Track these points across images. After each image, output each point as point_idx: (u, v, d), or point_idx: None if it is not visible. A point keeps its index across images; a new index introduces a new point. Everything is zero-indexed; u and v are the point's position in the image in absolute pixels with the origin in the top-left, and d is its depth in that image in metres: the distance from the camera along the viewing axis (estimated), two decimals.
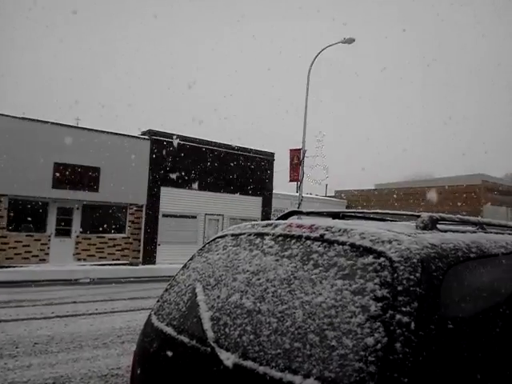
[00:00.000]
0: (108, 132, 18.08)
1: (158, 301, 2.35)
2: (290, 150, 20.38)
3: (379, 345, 1.41)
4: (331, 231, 1.86)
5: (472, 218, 2.14)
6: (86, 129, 17.63)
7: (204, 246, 2.39)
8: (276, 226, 2.12)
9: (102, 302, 10.41)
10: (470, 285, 1.73)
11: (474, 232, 2.00)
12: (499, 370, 1.64)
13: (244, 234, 2.20)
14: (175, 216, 19.42)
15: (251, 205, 21.54)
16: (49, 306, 9.66)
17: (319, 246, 1.81)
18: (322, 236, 1.85)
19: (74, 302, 10.16)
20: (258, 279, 1.86)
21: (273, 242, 1.99)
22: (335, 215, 2.63)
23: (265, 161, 22.32)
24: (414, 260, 1.58)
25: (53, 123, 16.76)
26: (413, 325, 1.43)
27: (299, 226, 2.00)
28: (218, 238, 2.36)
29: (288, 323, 1.62)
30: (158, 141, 19.15)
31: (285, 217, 2.49)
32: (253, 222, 2.33)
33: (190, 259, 2.41)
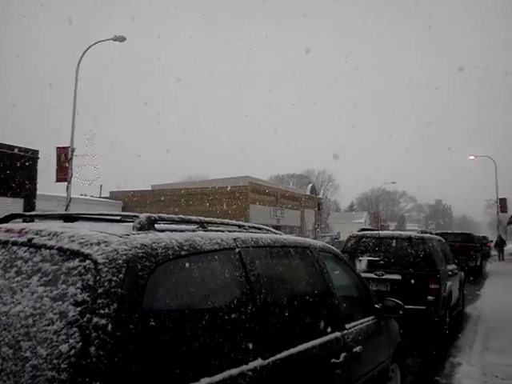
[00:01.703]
0: None
1: None
2: (57, 147, 18.92)
3: (73, 351, 1.38)
4: (41, 235, 1.74)
5: (193, 218, 2.26)
6: None
7: None
8: None
9: None
10: (180, 281, 1.82)
11: (194, 231, 2.11)
12: (204, 360, 1.76)
13: None
14: None
15: (10, 207, 19.18)
16: None
17: (25, 252, 1.68)
18: (29, 241, 1.72)
19: None
20: None
21: None
22: (67, 218, 2.49)
23: (27, 159, 20.18)
24: (120, 261, 1.58)
25: None
26: (110, 327, 1.43)
27: (8, 231, 1.83)
28: None
29: None
30: None
31: (3, 221, 2.23)
32: None
33: None
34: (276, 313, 2.29)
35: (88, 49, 19.50)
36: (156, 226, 1.96)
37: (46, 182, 21.29)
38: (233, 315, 1.97)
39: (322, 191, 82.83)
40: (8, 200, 19.13)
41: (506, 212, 38.89)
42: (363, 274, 6.84)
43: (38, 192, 21.00)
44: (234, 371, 1.83)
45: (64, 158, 18.52)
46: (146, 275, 1.61)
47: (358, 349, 3.03)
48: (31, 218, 2.47)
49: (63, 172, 18.57)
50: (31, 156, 20.43)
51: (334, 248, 3.57)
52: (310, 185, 56.44)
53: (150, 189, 38.80)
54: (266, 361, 2.05)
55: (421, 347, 6.53)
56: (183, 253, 1.83)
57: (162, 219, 2.05)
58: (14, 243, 1.74)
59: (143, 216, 1.94)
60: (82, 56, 19.47)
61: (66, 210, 17.41)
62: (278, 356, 2.14)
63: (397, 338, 4.23)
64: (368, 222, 78.44)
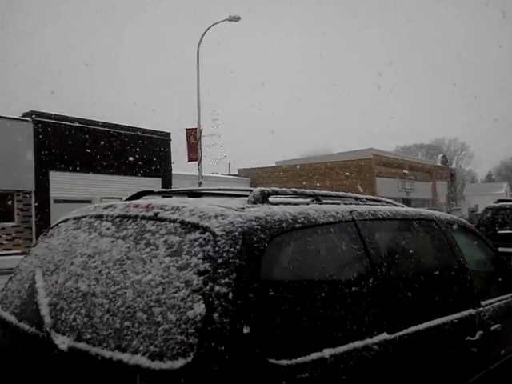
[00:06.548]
0: None
1: (2, 290, 2.28)
2: (186, 129, 20.15)
3: (199, 317, 1.46)
4: (165, 209, 1.87)
5: (307, 191, 2.24)
6: None
7: (47, 231, 2.31)
8: (116, 207, 2.09)
9: None
10: (295, 253, 1.85)
11: (308, 204, 2.11)
12: (325, 331, 1.77)
13: (85, 216, 2.15)
14: (69, 201, 18.34)
15: (150, 186, 20.94)
16: None
17: (152, 225, 1.82)
18: (155, 215, 1.86)
19: None
20: (94, 262, 1.84)
21: (110, 224, 1.97)
22: (191, 193, 2.65)
23: (161, 141, 21.89)
24: (236, 233, 1.64)
25: None
26: (231, 295, 1.50)
27: (136, 206, 2.00)
28: (61, 222, 2.28)
29: (119, 303, 1.63)
30: (42, 122, 17.77)
31: (134, 197, 2.45)
32: (95, 204, 2.29)
33: (34, 245, 2.32)
34: (400, 287, 2.19)
35: (207, 30, 20.33)
36: (270, 199, 1.99)
37: (180, 162, 22.95)
38: (353, 288, 1.93)
39: (454, 161, 77.09)
40: (148, 179, 21.00)
41: None
42: (505, 249, 6.33)
43: (173, 172, 22.72)
44: (358, 344, 1.80)
45: (193, 138, 19.73)
46: (261, 247, 1.65)
47: (496, 327, 2.80)
48: (163, 194, 2.67)
49: (193, 152, 19.78)
50: (165, 138, 22.11)
51: (464, 220, 3.30)
52: (441, 155, 52.70)
53: (274, 165, 39.55)
54: (392, 335, 1.97)
55: None
56: (297, 225, 1.83)
57: (276, 193, 2.07)
58: (143, 217, 1.89)
59: (257, 190, 1.98)
60: (202, 38, 20.37)
61: (199, 187, 18.56)
62: (406, 331, 2.06)
63: None
64: (510, 193, 71.40)
